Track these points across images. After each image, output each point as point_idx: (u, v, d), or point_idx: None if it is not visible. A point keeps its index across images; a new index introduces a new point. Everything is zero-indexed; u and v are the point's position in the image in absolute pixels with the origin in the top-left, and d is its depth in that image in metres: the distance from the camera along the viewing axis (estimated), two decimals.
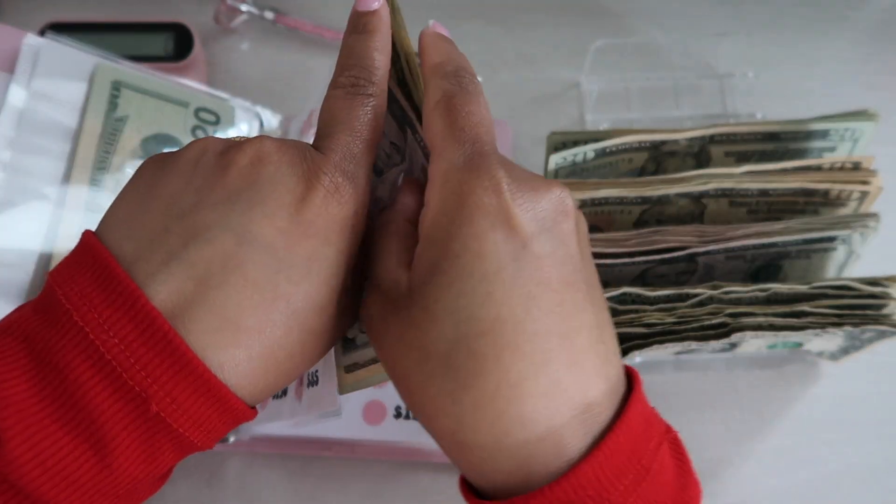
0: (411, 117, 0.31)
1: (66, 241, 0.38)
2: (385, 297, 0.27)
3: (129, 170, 0.41)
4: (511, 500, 0.24)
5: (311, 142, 0.28)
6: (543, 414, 0.23)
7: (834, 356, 0.43)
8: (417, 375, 0.25)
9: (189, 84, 0.45)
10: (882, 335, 0.38)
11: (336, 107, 0.28)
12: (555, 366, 0.24)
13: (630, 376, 0.27)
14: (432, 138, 0.27)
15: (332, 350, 0.32)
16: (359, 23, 0.31)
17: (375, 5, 0.31)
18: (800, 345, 0.40)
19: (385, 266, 0.27)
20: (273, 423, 0.40)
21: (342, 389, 0.31)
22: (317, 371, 0.33)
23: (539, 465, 0.24)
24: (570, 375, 0.24)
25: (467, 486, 0.27)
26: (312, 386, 0.34)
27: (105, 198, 0.40)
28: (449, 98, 0.27)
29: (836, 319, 0.37)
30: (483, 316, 0.23)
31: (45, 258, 0.38)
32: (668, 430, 0.27)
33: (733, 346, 0.39)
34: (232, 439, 0.43)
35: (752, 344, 0.39)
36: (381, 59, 0.30)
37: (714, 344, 0.38)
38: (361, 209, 0.27)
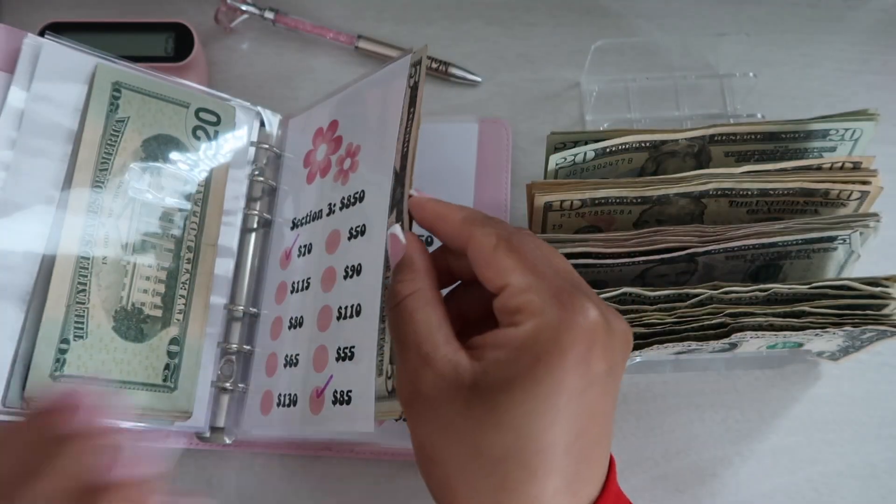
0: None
1: (68, 244, 0.38)
2: (441, 379, 0.28)
3: (131, 170, 0.41)
4: None
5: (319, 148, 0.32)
6: None
7: (834, 356, 0.43)
8: (461, 469, 0.28)
9: (190, 84, 0.45)
10: (882, 335, 0.38)
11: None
12: (580, 484, 0.28)
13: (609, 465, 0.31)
14: (504, 275, 0.29)
15: (371, 377, 0.33)
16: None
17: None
18: (800, 345, 0.40)
19: (433, 342, 0.29)
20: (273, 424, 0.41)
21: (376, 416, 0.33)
22: (350, 391, 0.34)
23: None
24: (579, 484, 0.28)
25: None
26: (341, 404, 0.34)
27: (107, 200, 0.40)
28: (507, 241, 0.29)
29: (836, 319, 0.37)
30: (543, 438, 0.27)
31: (47, 261, 0.38)
32: None
33: (733, 346, 0.39)
34: (232, 440, 0.43)
35: (753, 344, 0.39)
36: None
37: (714, 344, 0.38)
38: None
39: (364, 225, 0.37)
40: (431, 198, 0.33)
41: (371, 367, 0.33)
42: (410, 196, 0.34)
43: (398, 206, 0.34)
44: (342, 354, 0.35)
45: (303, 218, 0.43)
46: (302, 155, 0.45)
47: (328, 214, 0.40)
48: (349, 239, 0.38)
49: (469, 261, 0.30)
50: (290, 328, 0.41)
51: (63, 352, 0.37)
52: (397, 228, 0.33)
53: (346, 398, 0.34)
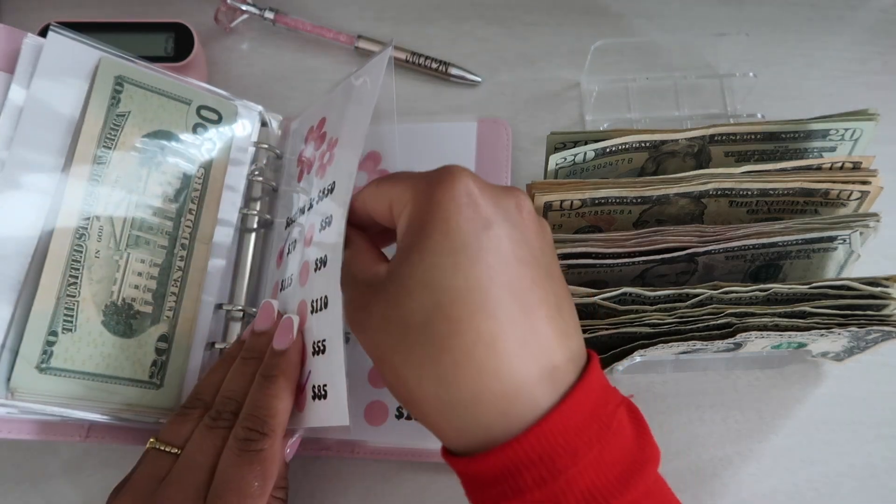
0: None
1: (62, 236, 0.38)
2: (365, 286, 0.30)
3: (129, 165, 0.41)
4: (492, 450, 0.27)
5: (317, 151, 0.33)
6: (517, 370, 0.26)
7: (838, 357, 0.43)
8: (399, 348, 0.28)
9: (193, 82, 0.45)
10: (888, 336, 0.38)
11: (231, 464, 0.33)
12: (520, 330, 0.27)
13: (588, 354, 0.30)
14: (387, 194, 0.31)
15: (341, 368, 0.32)
16: (268, 364, 0.36)
17: (285, 344, 0.36)
18: (804, 345, 0.40)
19: (360, 265, 0.32)
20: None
21: None
22: (325, 385, 0.34)
23: (515, 418, 0.27)
24: (535, 340, 0.27)
25: (449, 452, 0.29)
26: (320, 399, 0.34)
27: (103, 193, 0.40)
28: (381, 177, 0.33)
29: (841, 320, 0.37)
30: (453, 284, 0.27)
31: (40, 252, 0.38)
32: (625, 399, 0.30)
33: (738, 346, 0.39)
34: None
35: (757, 344, 0.39)
36: (280, 406, 0.34)
37: (719, 344, 0.38)
38: None
39: (331, 216, 0.36)
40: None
41: (341, 360, 0.33)
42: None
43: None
44: (317, 348, 0.35)
45: (293, 215, 0.43)
46: (297, 154, 0.45)
47: (309, 209, 0.40)
48: (320, 231, 0.37)
49: (379, 223, 0.33)
50: (278, 315, 0.41)
51: (51, 344, 0.37)
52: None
53: (322, 392, 0.34)
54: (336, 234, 0.35)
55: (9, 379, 0.36)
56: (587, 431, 0.27)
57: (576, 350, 0.29)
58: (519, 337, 0.27)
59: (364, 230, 0.35)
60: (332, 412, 0.33)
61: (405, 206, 0.30)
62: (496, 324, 0.26)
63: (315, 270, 0.36)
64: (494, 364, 0.26)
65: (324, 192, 0.38)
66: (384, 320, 0.28)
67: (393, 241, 0.36)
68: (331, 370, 0.34)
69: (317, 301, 0.36)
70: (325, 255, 0.36)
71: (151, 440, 0.35)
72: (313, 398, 0.34)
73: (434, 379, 0.27)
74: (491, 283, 0.27)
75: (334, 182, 0.37)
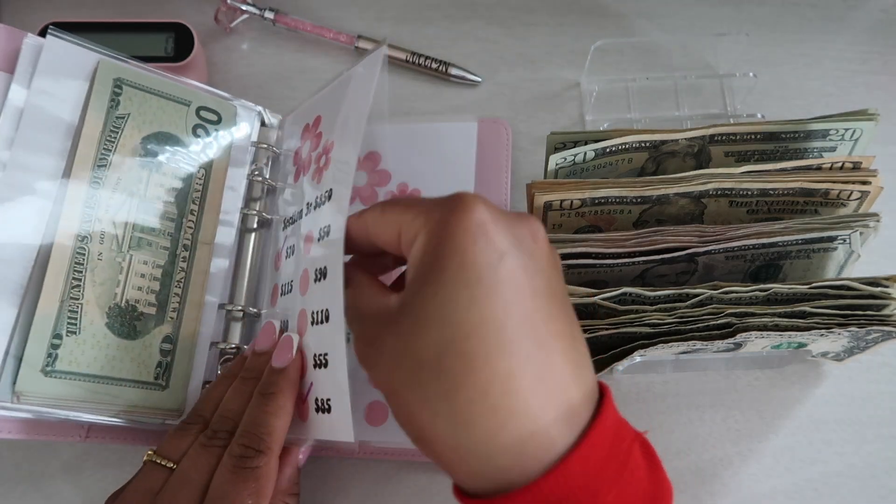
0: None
1: (64, 239, 0.38)
2: (374, 321, 0.29)
3: (130, 167, 0.41)
4: (512, 494, 0.25)
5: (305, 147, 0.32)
6: (533, 409, 0.25)
7: (838, 357, 0.43)
8: (412, 384, 0.27)
9: (191, 83, 0.45)
10: (888, 336, 0.38)
11: (225, 480, 0.32)
12: (536, 367, 0.26)
13: (600, 387, 0.29)
14: (396, 223, 0.30)
15: (345, 385, 0.32)
16: (267, 382, 0.36)
17: (284, 362, 0.36)
18: (804, 345, 0.40)
19: (366, 301, 0.31)
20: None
21: None
22: (328, 399, 0.34)
23: (532, 460, 0.25)
24: (551, 376, 0.26)
25: (462, 491, 0.28)
26: (323, 413, 0.34)
27: (104, 196, 0.40)
28: (385, 202, 0.32)
29: (841, 320, 0.37)
30: (467, 319, 0.25)
31: (43, 256, 0.38)
32: (637, 434, 0.29)
33: (738, 346, 0.39)
34: None
35: (758, 344, 0.39)
36: (276, 423, 0.34)
37: (719, 344, 0.38)
38: None
39: (329, 226, 0.36)
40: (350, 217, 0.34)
41: (344, 377, 0.32)
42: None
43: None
44: (318, 361, 0.35)
45: (289, 218, 0.43)
46: (292, 152, 0.45)
47: (306, 214, 0.40)
48: (318, 241, 0.37)
49: (381, 249, 0.32)
50: (280, 332, 0.41)
51: (55, 347, 0.37)
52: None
53: (326, 406, 0.34)
54: (336, 247, 0.34)
55: (14, 383, 0.36)
56: (606, 471, 0.26)
57: (590, 384, 0.28)
58: (535, 374, 0.26)
59: (359, 251, 0.34)
60: (337, 428, 0.33)
61: (416, 235, 0.28)
62: (512, 361, 0.25)
63: (315, 281, 0.36)
64: (510, 403, 0.25)
65: (321, 199, 0.38)
66: (396, 355, 0.27)
67: (389, 269, 0.36)
68: (334, 386, 0.33)
69: (317, 313, 0.35)
70: (325, 267, 0.35)
71: (149, 452, 0.35)
72: (317, 411, 0.34)
73: (447, 417, 0.26)
74: (507, 318, 0.26)
75: (331, 189, 0.37)
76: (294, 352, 0.36)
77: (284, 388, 0.35)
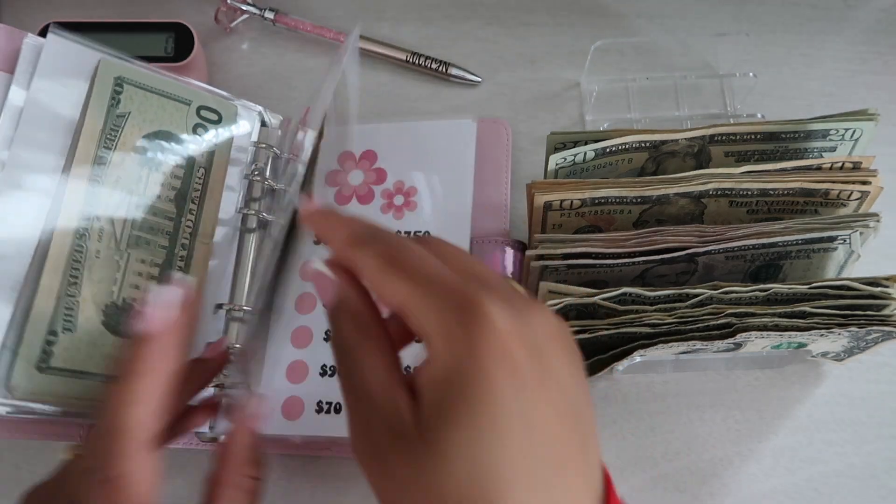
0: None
1: (62, 236, 0.38)
2: (387, 426, 0.27)
3: (130, 166, 0.41)
4: None
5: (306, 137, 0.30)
6: None
7: (838, 357, 0.43)
8: None
9: (192, 82, 0.45)
10: (888, 336, 0.38)
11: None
12: (555, 493, 0.25)
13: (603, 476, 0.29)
14: (396, 297, 0.27)
15: None
16: (125, 357, 0.30)
17: (155, 325, 0.30)
18: (804, 345, 0.40)
19: (376, 380, 0.27)
20: (271, 423, 0.41)
21: None
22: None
23: None
24: (566, 498, 0.26)
25: None
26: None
27: (104, 194, 0.40)
28: (389, 258, 0.27)
29: (841, 320, 0.37)
30: (495, 460, 0.25)
31: (40, 252, 0.38)
32: None
33: (738, 346, 0.39)
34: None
35: (758, 344, 0.39)
36: (135, 416, 0.30)
37: (719, 344, 0.38)
38: None
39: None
40: (317, 210, 0.29)
41: None
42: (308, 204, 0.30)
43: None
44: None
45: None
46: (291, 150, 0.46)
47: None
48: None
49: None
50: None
51: (50, 343, 0.37)
52: (319, 264, 0.29)
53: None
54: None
55: (8, 378, 0.36)
56: None
57: (598, 486, 0.27)
58: (553, 501, 0.26)
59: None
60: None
61: (431, 340, 0.26)
62: (532, 496, 0.25)
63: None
64: None
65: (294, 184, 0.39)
66: (411, 487, 0.26)
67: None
68: None
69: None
70: None
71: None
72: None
73: None
74: (530, 449, 0.25)
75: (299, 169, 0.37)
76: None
77: (150, 367, 0.30)
